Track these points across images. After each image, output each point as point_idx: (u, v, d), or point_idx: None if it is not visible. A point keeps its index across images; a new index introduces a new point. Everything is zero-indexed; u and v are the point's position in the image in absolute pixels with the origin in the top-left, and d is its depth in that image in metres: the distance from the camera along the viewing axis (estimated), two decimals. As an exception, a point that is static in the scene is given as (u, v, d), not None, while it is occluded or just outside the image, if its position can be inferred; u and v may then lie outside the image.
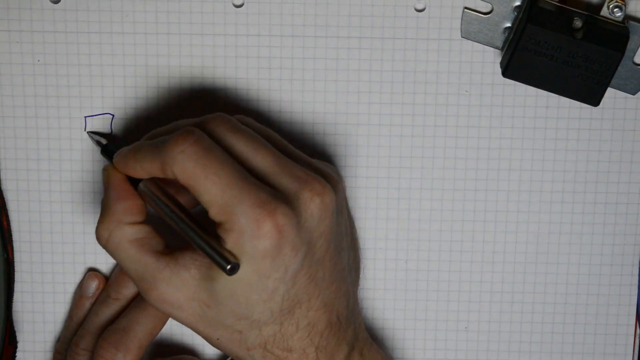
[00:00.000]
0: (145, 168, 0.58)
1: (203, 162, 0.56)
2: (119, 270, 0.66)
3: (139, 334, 0.63)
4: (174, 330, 0.68)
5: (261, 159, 0.57)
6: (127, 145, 0.60)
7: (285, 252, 0.56)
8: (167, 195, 0.59)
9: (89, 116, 0.65)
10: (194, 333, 0.67)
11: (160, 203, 0.58)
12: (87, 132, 0.65)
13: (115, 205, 0.59)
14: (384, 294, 0.67)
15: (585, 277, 0.67)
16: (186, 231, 0.57)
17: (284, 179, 0.57)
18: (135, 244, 0.59)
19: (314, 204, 0.57)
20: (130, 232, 0.59)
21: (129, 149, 0.59)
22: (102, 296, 0.66)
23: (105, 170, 0.60)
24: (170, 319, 0.65)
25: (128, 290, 0.65)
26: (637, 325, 0.68)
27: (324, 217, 0.57)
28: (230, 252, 0.56)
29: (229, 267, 0.55)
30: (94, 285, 0.66)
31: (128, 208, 0.59)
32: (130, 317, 0.63)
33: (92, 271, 0.67)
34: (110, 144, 0.63)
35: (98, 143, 0.64)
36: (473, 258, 0.67)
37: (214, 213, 0.56)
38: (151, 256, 0.58)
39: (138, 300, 0.64)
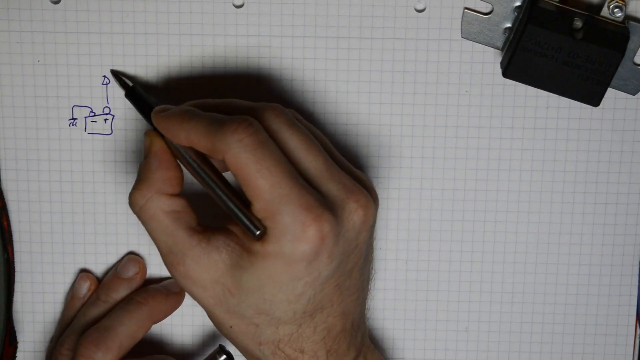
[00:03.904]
0: (190, 139, 0.57)
1: (258, 155, 0.55)
2: (113, 273, 0.66)
3: (120, 334, 0.63)
4: (164, 330, 0.68)
5: (312, 160, 0.57)
6: (163, 104, 0.59)
7: (321, 259, 0.56)
8: (199, 154, 0.58)
9: (89, 116, 0.65)
10: (182, 334, 0.67)
11: (192, 161, 0.58)
12: (111, 71, 0.63)
13: (155, 173, 0.58)
14: (384, 294, 0.67)
15: (585, 277, 0.67)
16: (217, 191, 0.57)
17: (331, 185, 0.57)
18: (171, 215, 0.58)
19: (357, 216, 0.57)
20: (167, 203, 0.58)
21: (176, 112, 0.58)
22: (92, 298, 0.66)
23: (147, 135, 0.59)
24: (153, 325, 0.65)
25: (118, 294, 0.65)
26: (637, 325, 0.68)
27: (362, 230, 0.58)
28: (259, 220, 0.56)
29: (257, 232, 0.56)
30: (85, 287, 0.66)
31: (168, 178, 0.58)
32: (114, 318, 0.64)
33: (84, 272, 0.67)
34: (137, 87, 0.62)
35: (123, 85, 0.62)
36: (473, 258, 0.67)
37: (259, 208, 0.56)
38: (184, 230, 0.58)
39: (124, 302, 0.64)
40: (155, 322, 0.65)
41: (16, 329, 0.68)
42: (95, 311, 0.65)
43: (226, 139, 0.55)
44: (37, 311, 0.67)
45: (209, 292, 0.58)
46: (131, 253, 0.67)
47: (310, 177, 0.57)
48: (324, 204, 0.56)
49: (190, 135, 0.57)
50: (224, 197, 0.57)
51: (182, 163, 0.59)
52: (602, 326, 0.68)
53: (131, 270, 0.66)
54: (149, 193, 0.58)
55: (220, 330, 0.59)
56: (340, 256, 0.57)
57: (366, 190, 0.58)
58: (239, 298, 0.57)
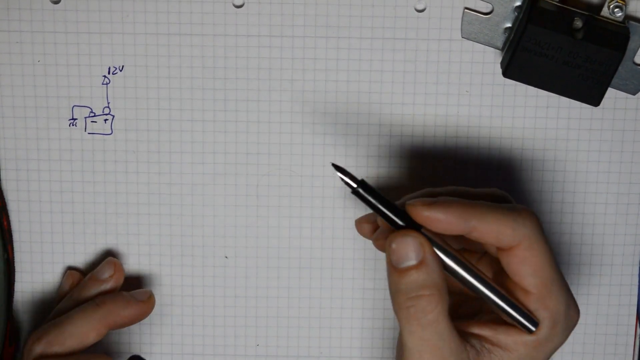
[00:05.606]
0: (480, 228, 0.54)
1: (547, 245, 0.56)
2: (90, 274, 0.65)
3: (65, 332, 0.62)
4: (143, 329, 0.68)
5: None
6: (418, 197, 0.56)
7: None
8: (451, 247, 0.56)
9: (89, 117, 0.65)
10: (161, 333, 0.67)
11: (461, 258, 0.55)
12: (334, 165, 0.56)
13: (440, 276, 0.54)
14: (384, 293, 0.67)
15: (585, 277, 0.67)
16: (486, 289, 0.55)
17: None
18: (448, 318, 0.54)
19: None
20: (446, 307, 0.55)
21: (450, 202, 0.55)
22: (67, 295, 0.66)
23: (411, 236, 0.54)
24: (109, 333, 0.64)
25: (88, 293, 0.64)
26: (637, 325, 0.68)
27: None
28: (532, 313, 0.56)
29: (534, 328, 0.55)
30: (68, 284, 0.66)
31: (444, 278, 0.55)
32: (68, 315, 0.63)
33: (70, 270, 0.67)
34: (366, 181, 0.55)
35: (351, 179, 0.55)
36: (473, 258, 0.67)
37: (536, 298, 0.55)
38: (457, 334, 0.55)
39: (85, 303, 0.64)
40: (112, 328, 0.63)
41: (16, 329, 0.68)
42: (63, 307, 0.65)
43: (527, 225, 0.55)
44: (37, 311, 0.67)
45: None
46: (112, 256, 0.66)
47: None
48: None
49: (482, 224, 0.54)
50: (496, 295, 0.55)
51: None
52: (602, 326, 0.68)
53: (106, 273, 0.65)
54: (442, 297, 0.54)
55: None
56: None
57: None
58: None
